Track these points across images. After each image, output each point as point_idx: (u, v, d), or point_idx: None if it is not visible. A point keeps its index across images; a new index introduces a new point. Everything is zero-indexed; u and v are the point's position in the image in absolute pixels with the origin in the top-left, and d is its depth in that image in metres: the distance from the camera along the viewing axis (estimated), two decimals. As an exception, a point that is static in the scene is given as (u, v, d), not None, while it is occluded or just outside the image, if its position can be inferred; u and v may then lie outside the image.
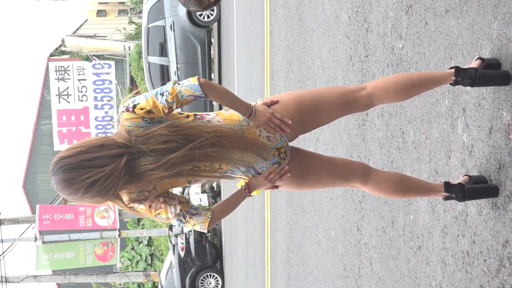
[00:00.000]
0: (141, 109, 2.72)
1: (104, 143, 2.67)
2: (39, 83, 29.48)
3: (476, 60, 2.97)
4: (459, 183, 3.01)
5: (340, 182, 3.16)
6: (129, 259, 21.46)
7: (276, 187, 3.05)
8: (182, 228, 16.76)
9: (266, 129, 2.92)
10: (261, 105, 2.93)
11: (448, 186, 3.03)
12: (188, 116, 2.88)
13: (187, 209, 2.89)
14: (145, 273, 19.71)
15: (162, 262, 21.08)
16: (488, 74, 2.89)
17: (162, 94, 2.73)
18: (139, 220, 22.72)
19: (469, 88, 3.21)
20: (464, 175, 3.14)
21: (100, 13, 40.15)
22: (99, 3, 40.02)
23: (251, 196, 3.02)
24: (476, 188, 3.01)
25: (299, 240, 7.19)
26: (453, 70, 2.90)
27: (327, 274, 5.94)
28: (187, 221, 2.90)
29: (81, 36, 32.46)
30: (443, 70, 3.47)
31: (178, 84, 2.76)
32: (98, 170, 2.61)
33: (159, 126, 2.73)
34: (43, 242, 17.86)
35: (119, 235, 18.36)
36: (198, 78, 2.78)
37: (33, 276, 18.19)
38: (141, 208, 2.86)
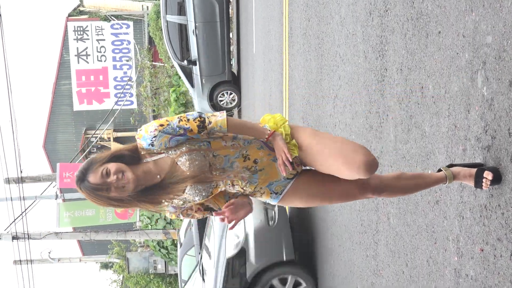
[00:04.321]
0: None
1: None
2: (58, 43, 29.49)
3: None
4: None
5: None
6: (148, 218, 21.64)
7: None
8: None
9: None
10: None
11: None
12: None
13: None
14: (164, 231, 19.90)
15: (181, 220, 21.27)
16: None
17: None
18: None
19: (489, 40, 3.17)
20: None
21: (118, -28, 39.85)
22: (117, -38, 39.70)
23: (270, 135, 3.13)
24: None
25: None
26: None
27: (345, 230, 5.98)
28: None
29: (99, -4, 32.29)
30: (463, 25, 3.44)
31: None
32: None
33: None
34: (64, 200, 18.09)
35: (139, 193, 18.44)
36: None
37: (54, 233, 18.45)
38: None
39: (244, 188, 3.14)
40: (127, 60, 28.70)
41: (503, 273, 3.02)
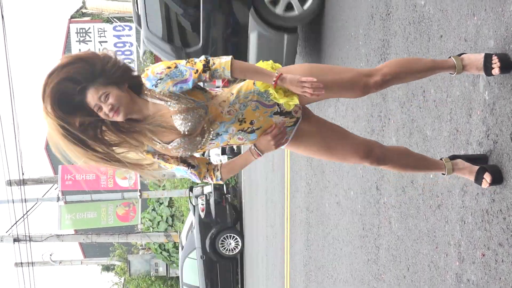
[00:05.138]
0: None
1: None
2: (60, 45, 29.53)
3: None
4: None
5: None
6: (150, 220, 21.67)
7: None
8: (203, 189, 16.86)
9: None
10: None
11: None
12: None
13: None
14: (166, 233, 19.90)
15: (182, 223, 21.30)
16: None
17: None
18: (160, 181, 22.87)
19: (491, 45, 3.16)
20: None
21: (121, -26, 39.89)
22: (120, -36, 39.72)
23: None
24: None
25: (319, 200, 7.21)
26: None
27: (346, 234, 5.97)
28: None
29: (102, -2, 32.32)
30: (464, 29, 3.43)
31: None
32: None
33: None
34: (66, 202, 18.09)
35: (140, 196, 18.53)
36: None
37: (56, 235, 18.46)
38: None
39: (243, 144, 3.17)
40: (130, 62, 28.70)
41: (504, 279, 3.00)
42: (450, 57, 3.16)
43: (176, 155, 3.10)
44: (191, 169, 3.14)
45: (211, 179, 3.17)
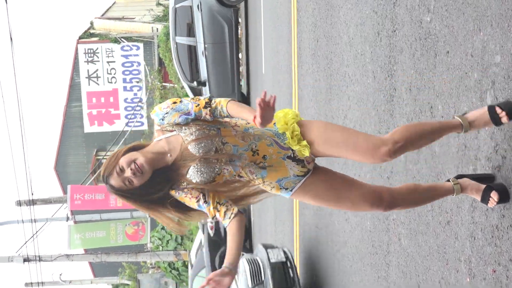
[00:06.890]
0: None
1: None
2: (68, 66, 29.67)
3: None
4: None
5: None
6: (159, 239, 21.63)
7: None
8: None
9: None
10: None
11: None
12: None
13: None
14: (175, 252, 19.87)
15: (192, 241, 21.24)
16: None
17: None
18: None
19: (498, 59, 3.16)
20: None
21: (128, -5, 40.14)
22: (127, -15, 39.98)
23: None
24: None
25: (328, 217, 7.19)
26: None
27: (356, 251, 5.94)
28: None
29: (110, 19, 32.51)
30: (471, 44, 3.43)
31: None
32: None
33: None
34: (75, 222, 18.11)
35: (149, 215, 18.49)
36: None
37: (65, 255, 18.46)
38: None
39: (252, 180, 3.17)
40: (137, 82, 28.83)
41: (516, 295, 2.98)
42: (454, 117, 3.18)
43: (196, 186, 3.12)
44: (204, 204, 3.16)
45: (219, 217, 3.20)
